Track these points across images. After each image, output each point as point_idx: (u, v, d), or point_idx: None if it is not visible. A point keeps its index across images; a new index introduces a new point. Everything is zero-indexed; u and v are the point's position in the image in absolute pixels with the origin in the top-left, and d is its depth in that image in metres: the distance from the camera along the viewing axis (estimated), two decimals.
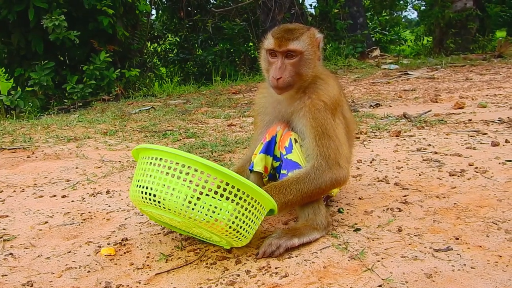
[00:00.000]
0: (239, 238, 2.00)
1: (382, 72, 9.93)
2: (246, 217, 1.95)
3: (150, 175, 1.92)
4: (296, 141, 2.29)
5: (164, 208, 1.89)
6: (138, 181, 1.97)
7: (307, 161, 2.26)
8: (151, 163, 1.94)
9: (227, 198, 1.90)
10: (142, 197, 1.93)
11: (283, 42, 2.22)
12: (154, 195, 1.89)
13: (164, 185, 1.88)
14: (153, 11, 13.47)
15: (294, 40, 2.22)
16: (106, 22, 8.65)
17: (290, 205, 2.18)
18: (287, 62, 2.24)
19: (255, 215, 1.99)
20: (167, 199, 1.87)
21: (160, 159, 1.92)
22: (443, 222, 2.33)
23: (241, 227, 1.95)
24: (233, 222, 1.92)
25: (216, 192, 1.88)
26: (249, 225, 1.98)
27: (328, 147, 2.22)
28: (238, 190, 1.91)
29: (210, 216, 1.88)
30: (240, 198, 1.91)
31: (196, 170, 1.87)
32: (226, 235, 1.96)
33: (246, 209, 1.94)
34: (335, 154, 2.23)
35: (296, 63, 2.24)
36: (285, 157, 2.30)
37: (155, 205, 1.91)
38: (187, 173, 1.88)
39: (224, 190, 1.89)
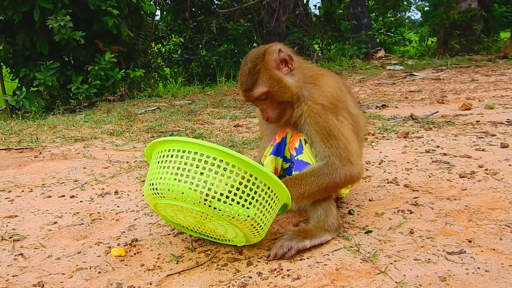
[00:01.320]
0: (258, 232, 1.99)
1: (387, 73, 9.91)
2: (265, 209, 1.95)
3: (176, 167, 1.89)
4: (306, 141, 2.28)
5: (188, 199, 1.87)
6: (161, 173, 1.93)
7: (318, 162, 2.25)
8: (174, 155, 1.92)
9: (251, 189, 1.89)
10: (169, 189, 1.89)
11: (246, 94, 2.24)
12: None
13: (193, 176, 1.86)
14: (158, 12, 13.49)
15: (253, 88, 2.20)
16: (111, 23, 8.66)
17: (307, 196, 2.16)
18: (265, 102, 2.25)
19: (272, 207, 1.99)
20: (192, 191, 1.85)
21: (184, 150, 1.91)
22: (455, 224, 2.31)
23: (261, 219, 1.95)
24: (255, 214, 1.92)
25: (240, 183, 1.87)
26: (267, 218, 1.99)
27: (338, 147, 2.21)
28: (260, 181, 1.90)
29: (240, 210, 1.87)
30: (262, 190, 1.91)
31: (221, 161, 1.86)
32: (249, 227, 1.95)
33: (265, 200, 1.94)
34: (346, 152, 2.22)
35: (272, 99, 2.24)
36: (295, 158, 2.29)
37: (177, 197, 1.88)
38: (212, 164, 1.87)
39: (248, 181, 1.88)
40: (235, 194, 1.87)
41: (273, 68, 2.22)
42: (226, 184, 1.86)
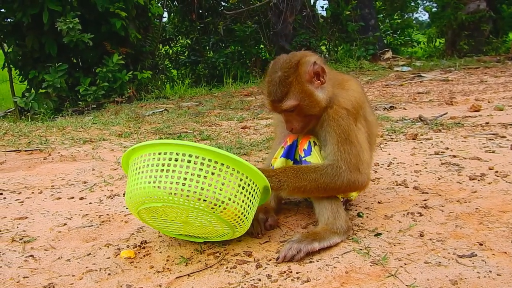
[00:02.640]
0: (243, 222, 2.05)
1: (394, 74, 9.87)
2: (246, 198, 2.01)
3: (160, 170, 1.94)
4: (315, 143, 2.28)
5: (176, 199, 1.92)
6: (143, 178, 1.97)
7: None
8: (153, 158, 1.97)
9: (224, 178, 1.94)
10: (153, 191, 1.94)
11: (274, 105, 2.20)
12: (165, 187, 1.91)
13: (172, 176, 1.92)
14: (165, 14, 13.55)
15: (283, 100, 2.16)
16: (118, 25, 8.71)
17: (303, 191, 2.17)
18: (291, 114, 2.22)
19: (252, 195, 2.05)
20: (178, 189, 1.91)
21: (159, 153, 1.96)
22: (465, 227, 2.29)
23: (244, 208, 2.01)
24: (239, 204, 1.99)
25: (213, 173, 1.93)
26: (250, 207, 2.05)
27: (350, 153, 2.19)
28: (233, 169, 1.96)
29: (222, 200, 1.94)
30: (236, 177, 1.97)
31: (190, 156, 1.92)
32: (235, 219, 2.01)
33: (244, 188, 1.99)
34: (356, 159, 2.21)
35: (299, 112, 2.21)
36: (304, 159, 2.28)
37: (165, 198, 1.92)
38: (188, 161, 1.92)
39: (221, 170, 1.94)
40: (209, 185, 1.92)
41: (305, 81, 2.17)
42: (199, 176, 1.91)
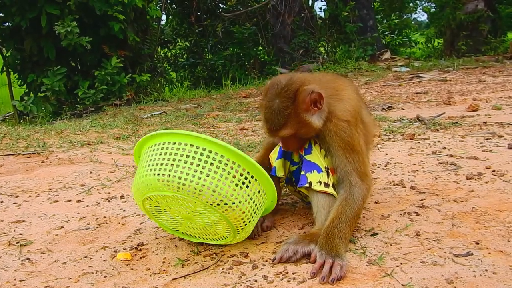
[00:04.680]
0: (247, 225, 2.08)
1: (393, 74, 9.88)
2: (255, 204, 2.06)
3: (170, 159, 1.96)
4: (315, 142, 2.28)
5: (183, 190, 1.93)
6: (151, 166, 2.00)
7: (340, 181, 2.26)
8: (167, 147, 1.99)
9: (243, 183, 1.99)
10: (158, 180, 1.96)
11: (273, 133, 2.20)
12: (174, 177, 1.93)
13: (188, 168, 1.94)
14: (163, 17, 13.58)
15: (280, 130, 2.16)
16: (117, 28, 8.73)
17: (350, 234, 2.17)
18: (288, 138, 2.24)
19: (260, 203, 2.10)
20: (188, 181, 1.93)
21: (174, 143, 1.99)
22: (462, 226, 2.29)
23: (250, 213, 2.05)
24: (247, 208, 2.02)
25: (234, 176, 1.97)
26: (256, 213, 2.09)
27: (358, 161, 2.23)
28: (252, 176, 2.01)
29: (227, 200, 1.97)
30: (249, 181, 2.02)
31: (216, 153, 1.96)
32: (239, 222, 2.04)
33: (253, 192, 2.04)
34: (364, 166, 2.26)
35: (296, 136, 2.22)
36: (304, 157, 2.28)
37: (173, 189, 1.94)
38: (208, 156, 1.95)
39: (241, 175, 1.99)
40: (224, 184, 1.95)
41: (303, 111, 2.15)
42: (215, 173, 1.94)
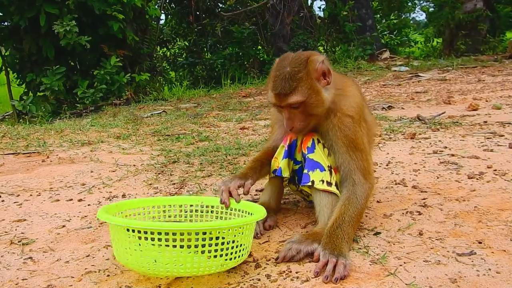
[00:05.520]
0: (243, 256, 2.02)
1: (392, 74, 9.89)
2: (247, 241, 1.99)
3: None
4: (319, 141, 2.28)
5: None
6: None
7: (343, 179, 2.26)
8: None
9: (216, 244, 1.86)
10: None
11: (280, 98, 2.15)
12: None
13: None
14: (162, 16, 13.57)
15: (291, 94, 2.11)
16: (116, 27, 8.72)
17: (354, 233, 2.16)
18: (294, 111, 2.19)
19: (251, 234, 2.02)
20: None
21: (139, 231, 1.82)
22: (464, 225, 2.29)
23: (241, 251, 1.97)
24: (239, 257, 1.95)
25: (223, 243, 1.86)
26: (248, 246, 2.01)
27: (361, 159, 2.23)
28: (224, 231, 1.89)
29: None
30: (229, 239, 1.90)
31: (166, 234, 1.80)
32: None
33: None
34: (367, 164, 2.26)
35: (303, 110, 2.18)
36: (307, 156, 2.28)
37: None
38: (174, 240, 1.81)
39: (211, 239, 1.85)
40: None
41: (314, 78, 2.15)
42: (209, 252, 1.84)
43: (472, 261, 1.94)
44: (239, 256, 1.96)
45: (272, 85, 2.18)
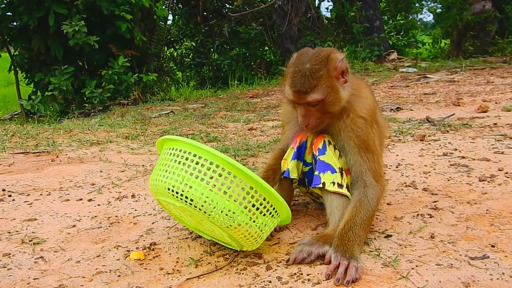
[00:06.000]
0: (252, 243, 2.06)
1: (400, 75, 9.84)
2: (264, 225, 2.02)
3: (183, 169, 1.93)
4: (330, 142, 2.27)
5: (188, 203, 1.92)
6: (167, 171, 1.97)
7: (354, 181, 2.26)
8: (184, 157, 1.96)
9: (253, 205, 1.95)
10: (169, 190, 1.95)
11: (300, 96, 2.13)
12: (183, 191, 1.91)
13: (196, 183, 1.91)
14: (170, 16, 13.59)
15: (311, 92, 2.10)
16: (124, 27, 8.74)
17: (365, 236, 2.15)
18: (311, 108, 2.17)
19: (272, 222, 2.06)
20: (190, 195, 1.90)
21: (195, 155, 1.94)
22: (476, 229, 2.27)
23: (257, 233, 2.01)
24: (252, 228, 1.98)
25: (244, 198, 1.93)
26: (264, 232, 2.05)
27: (373, 161, 2.22)
28: (264, 198, 1.97)
29: (233, 221, 1.93)
30: (263, 206, 1.98)
31: (229, 173, 1.91)
32: (244, 240, 2.02)
33: (265, 215, 2.00)
34: (379, 166, 2.25)
35: (320, 108, 2.16)
36: (318, 157, 2.27)
37: (180, 199, 1.94)
38: (220, 174, 1.91)
39: (252, 196, 1.94)
40: (237, 208, 1.92)
41: (334, 77, 2.14)
42: (225, 193, 1.90)
43: (485, 265, 1.92)
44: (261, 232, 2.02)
45: (290, 81, 2.15)
